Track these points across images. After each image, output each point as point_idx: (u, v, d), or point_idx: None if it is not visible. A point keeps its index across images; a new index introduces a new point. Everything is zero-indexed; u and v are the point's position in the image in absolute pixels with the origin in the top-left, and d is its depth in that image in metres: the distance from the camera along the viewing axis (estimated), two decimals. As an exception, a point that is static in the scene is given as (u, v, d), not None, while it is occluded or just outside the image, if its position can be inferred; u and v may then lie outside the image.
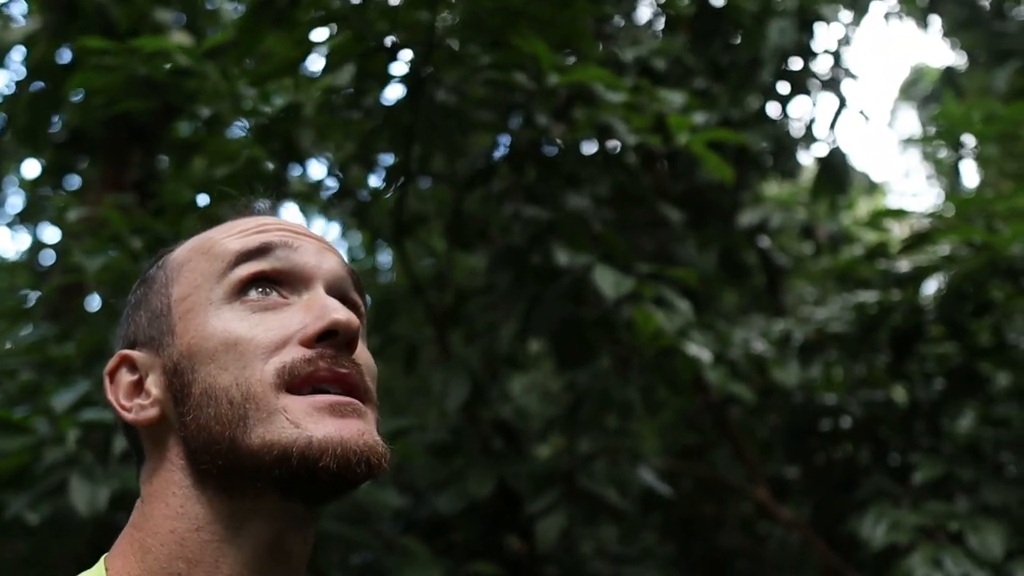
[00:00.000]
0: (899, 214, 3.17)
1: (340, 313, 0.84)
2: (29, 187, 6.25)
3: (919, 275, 3.05)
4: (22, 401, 2.70)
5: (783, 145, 3.81)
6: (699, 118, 2.90)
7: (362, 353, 0.89)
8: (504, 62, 2.51)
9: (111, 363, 0.92)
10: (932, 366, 3.27)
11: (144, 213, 2.94)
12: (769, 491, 3.64)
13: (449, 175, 3.01)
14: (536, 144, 2.73)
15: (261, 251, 0.88)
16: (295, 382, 0.82)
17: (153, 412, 0.87)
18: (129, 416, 0.89)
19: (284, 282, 0.88)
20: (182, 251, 0.94)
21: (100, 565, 0.87)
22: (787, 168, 3.81)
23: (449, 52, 2.32)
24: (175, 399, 0.86)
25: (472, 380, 2.54)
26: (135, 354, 0.91)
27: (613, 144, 2.92)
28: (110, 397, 0.91)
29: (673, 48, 3.89)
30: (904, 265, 3.08)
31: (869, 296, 3.20)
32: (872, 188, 6.35)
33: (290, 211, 3.31)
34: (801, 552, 3.85)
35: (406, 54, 2.40)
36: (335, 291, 0.90)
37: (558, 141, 2.65)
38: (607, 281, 2.36)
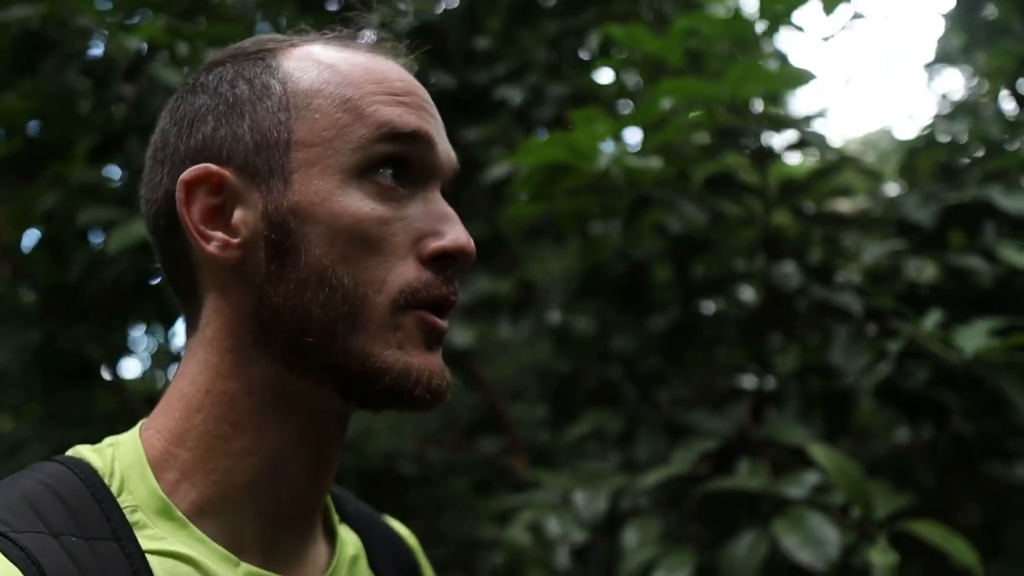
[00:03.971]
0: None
1: (465, 237, 0.80)
2: None
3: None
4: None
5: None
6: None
7: None
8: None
9: (194, 172, 0.77)
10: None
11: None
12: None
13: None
14: None
15: (411, 137, 0.79)
16: (413, 303, 0.77)
17: (237, 255, 0.77)
18: (207, 247, 0.77)
19: (413, 172, 0.81)
20: (308, 76, 0.80)
21: (134, 432, 0.79)
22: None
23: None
24: (269, 254, 0.76)
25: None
26: (228, 175, 0.77)
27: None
28: (184, 213, 0.77)
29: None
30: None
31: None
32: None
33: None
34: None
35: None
36: (444, 187, 0.85)
37: None
38: None
